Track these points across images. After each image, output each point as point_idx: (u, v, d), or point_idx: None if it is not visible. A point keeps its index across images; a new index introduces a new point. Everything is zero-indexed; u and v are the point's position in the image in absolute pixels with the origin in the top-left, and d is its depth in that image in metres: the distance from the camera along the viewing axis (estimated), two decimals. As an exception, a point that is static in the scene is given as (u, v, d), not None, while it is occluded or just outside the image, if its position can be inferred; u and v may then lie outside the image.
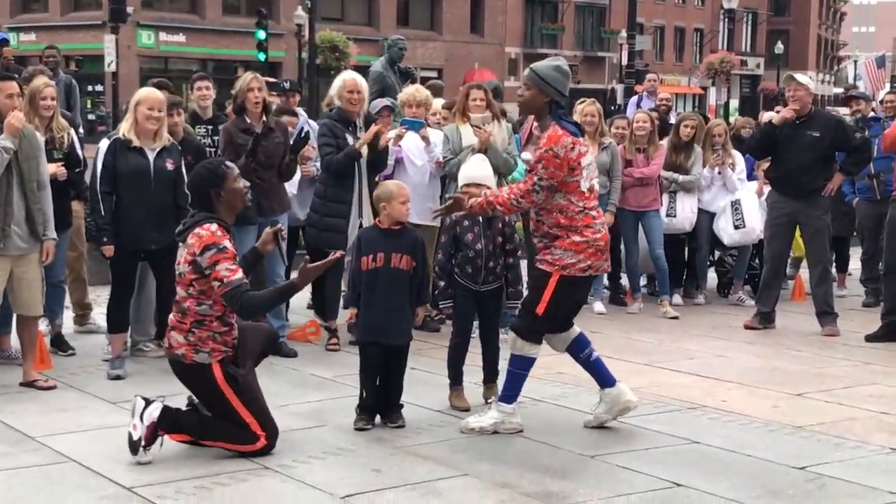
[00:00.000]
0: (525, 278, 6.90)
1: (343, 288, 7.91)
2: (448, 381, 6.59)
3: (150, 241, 7.22)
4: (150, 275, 7.63)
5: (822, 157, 8.99)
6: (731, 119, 22.22)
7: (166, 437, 5.45)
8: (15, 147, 6.72)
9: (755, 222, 10.12)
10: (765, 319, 9.22)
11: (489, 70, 49.25)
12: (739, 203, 10.23)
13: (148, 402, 5.42)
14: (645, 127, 9.98)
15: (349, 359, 7.16)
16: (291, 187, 8.53)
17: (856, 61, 67.44)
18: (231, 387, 5.52)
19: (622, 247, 10.00)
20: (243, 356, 5.65)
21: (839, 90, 58.82)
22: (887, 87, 28.06)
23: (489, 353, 6.61)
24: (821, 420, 6.32)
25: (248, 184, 5.87)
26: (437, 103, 9.42)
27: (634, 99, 15.23)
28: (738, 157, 10.49)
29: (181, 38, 46.75)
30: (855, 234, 11.15)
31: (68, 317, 8.48)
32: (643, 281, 10.57)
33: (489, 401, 6.34)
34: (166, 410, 5.45)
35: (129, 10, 35.29)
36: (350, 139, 8.08)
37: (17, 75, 8.21)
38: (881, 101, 11.62)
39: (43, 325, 7.72)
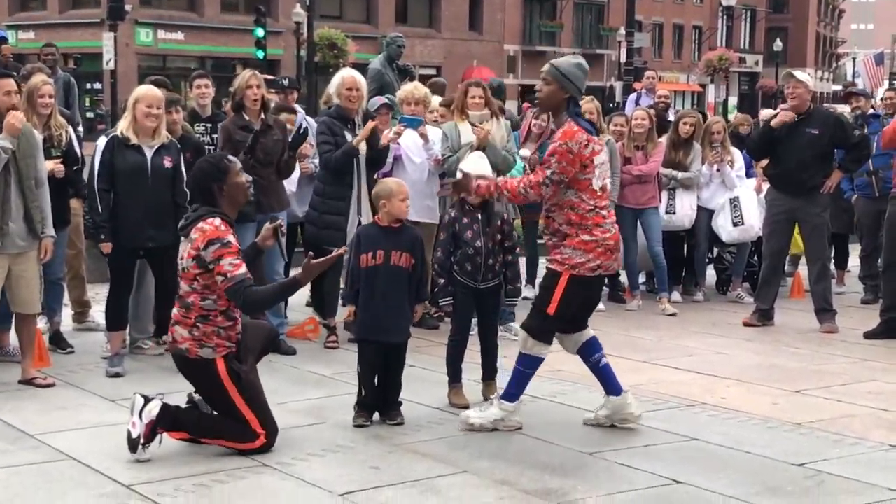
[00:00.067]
0: (524, 276, 6.89)
1: (342, 285, 7.91)
2: (447, 378, 6.58)
3: (147, 238, 7.21)
4: (149, 272, 7.62)
5: (820, 154, 8.98)
6: (730, 116, 22.23)
7: (165, 434, 5.44)
8: (14, 147, 6.71)
9: (754, 219, 10.12)
10: (763, 316, 9.22)
11: (488, 67, 49.20)
12: (738, 200, 10.23)
13: (147, 400, 5.41)
14: (643, 124, 9.98)
15: (348, 356, 7.15)
16: (290, 184, 8.53)
17: (854, 58, 67.53)
18: (234, 383, 5.52)
19: (621, 244, 9.98)
20: (245, 353, 5.65)
21: (838, 87, 58.88)
22: (886, 84, 28.09)
23: (488, 351, 6.61)
24: (820, 417, 6.32)
25: (250, 178, 5.85)
26: (436, 101, 9.42)
27: (633, 96, 15.24)
28: (737, 155, 10.49)
29: (179, 35, 46.69)
30: (854, 231, 11.15)
31: (67, 314, 8.47)
32: (642, 278, 10.57)
33: (489, 399, 6.33)
34: (165, 408, 5.44)
35: (128, 7, 35.33)
36: (349, 137, 8.07)
37: (15, 73, 8.20)
38: (881, 99, 11.61)
39: (41, 323, 7.71)
